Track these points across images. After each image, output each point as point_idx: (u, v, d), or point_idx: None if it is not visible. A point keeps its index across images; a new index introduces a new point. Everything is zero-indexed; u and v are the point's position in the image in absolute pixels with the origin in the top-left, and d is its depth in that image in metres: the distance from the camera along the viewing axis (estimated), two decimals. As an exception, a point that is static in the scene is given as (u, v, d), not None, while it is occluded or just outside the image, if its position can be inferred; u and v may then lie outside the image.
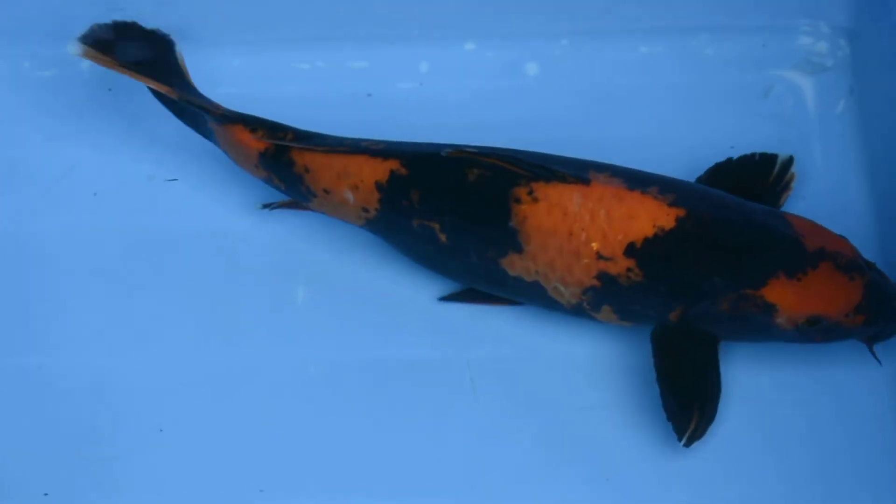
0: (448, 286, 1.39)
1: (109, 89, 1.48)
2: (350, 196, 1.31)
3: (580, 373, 1.35)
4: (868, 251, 1.33)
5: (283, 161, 1.33)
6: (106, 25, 1.39)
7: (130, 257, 1.42)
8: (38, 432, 1.35)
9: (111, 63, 1.37)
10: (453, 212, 1.27)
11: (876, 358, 1.27)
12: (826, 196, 1.39)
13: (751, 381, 1.32)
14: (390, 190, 1.29)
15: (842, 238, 1.24)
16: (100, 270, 1.42)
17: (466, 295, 1.37)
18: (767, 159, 1.37)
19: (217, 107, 1.36)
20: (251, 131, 1.34)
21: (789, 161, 1.37)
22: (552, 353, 1.36)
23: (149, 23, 1.42)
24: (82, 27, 1.40)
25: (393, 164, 1.28)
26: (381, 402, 1.35)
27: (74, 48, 1.37)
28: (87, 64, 1.48)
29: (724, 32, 1.49)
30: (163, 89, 1.36)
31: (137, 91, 1.42)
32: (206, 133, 1.40)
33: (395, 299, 1.39)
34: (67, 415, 1.36)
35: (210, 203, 1.45)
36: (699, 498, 1.30)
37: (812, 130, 1.45)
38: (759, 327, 1.23)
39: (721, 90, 1.47)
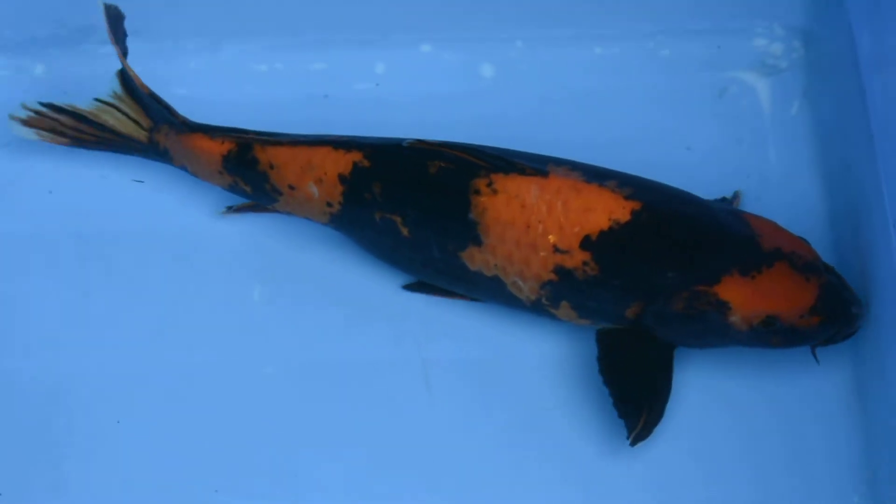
0: (407, 290, 1.39)
1: (64, 92, 1.47)
2: (315, 190, 1.31)
3: (537, 373, 1.35)
4: (821, 251, 1.32)
5: (246, 160, 1.33)
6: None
7: (85, 257, 1.42)
8: (-4, 439, 1.35)
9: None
10: (414, 204, 1.27)
11: (815, 357, 1.27)
12: (779, 196, 1.40)
13: (709, 380, 1.33)
14: (353, 182, 1.29)
15: (801, 240, 1.25)
16: (54, 271, 1.41)
17: (426, 287, 1.37)
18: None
19: (178, 115, 1.37)
20: (211, 137, 1.34)
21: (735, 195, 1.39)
22: (509, 353, 1.36)
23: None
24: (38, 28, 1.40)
25: (356, 156, 1.29)
26: (336, 402, 1.35)
27: None
28: (41, 67, 1.49)
29: (679, 34, 1.49)
30: (137, 80, 1.37)
31: (91, 93, 1.42)
32: (161, 155, 1.40)
33: (351, 299, 1.39)
34: (21, 415, 1.35)
35: (166, 203, 1.44)
36: (659, 497, 1.30)
37: (766, 131, 1.45)
38: (715, 327, 1.22)
39: (676, 91, 1.47)
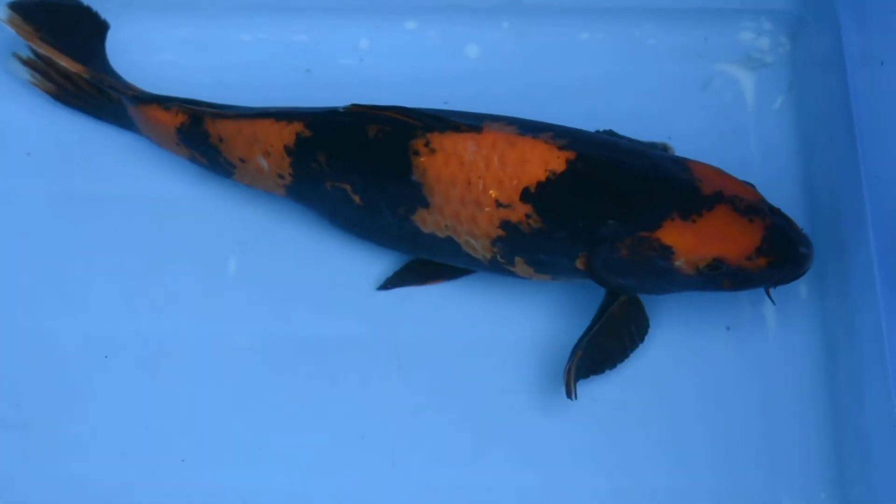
0: (381, 265, 1.39)
1: (41, 56, 1.47)
2: (264, 163, 1.31)
3: (507, 355, 1.36)
4: None
5: (198, 133, 1.33)
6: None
7: (60, 219, 1.41)
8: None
9: (31, 35, 1.38)
10: (360, 171, 1.27)
11: (771, 299, 1.28)
12: (760, 189, 1.38)
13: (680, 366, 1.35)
14: (299, 153, 1.29)
15: (746, 184, 1.25)
16: (28, 232, 1.41)
17: (401, 279, 1.37)
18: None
19: (131, 87, 1.37)
20: (165, 109, 1.34)
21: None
22: (480, 336, 1.36)
23: None
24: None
25: (297, 127, 1.29)
26: (306, 378, 1.35)
27: (2, 13, 1.38)
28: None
29: (666, 24, 1.49)
30: (76, 68, 1.37)
31: None
32: (126, 124, 1.41)
33: (326, 275, 1.39)
34: (-9, 377, 1.35)
35: (145, 167, 1.43)
36: (622, 482, 1.31)
37: (749, 124, 1.45)
38: (663, 272, 1.22)
39: (661, 81, 1.47)
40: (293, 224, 1.40)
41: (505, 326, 1.36)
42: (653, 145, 1.36)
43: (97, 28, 1.43)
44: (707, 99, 1.46)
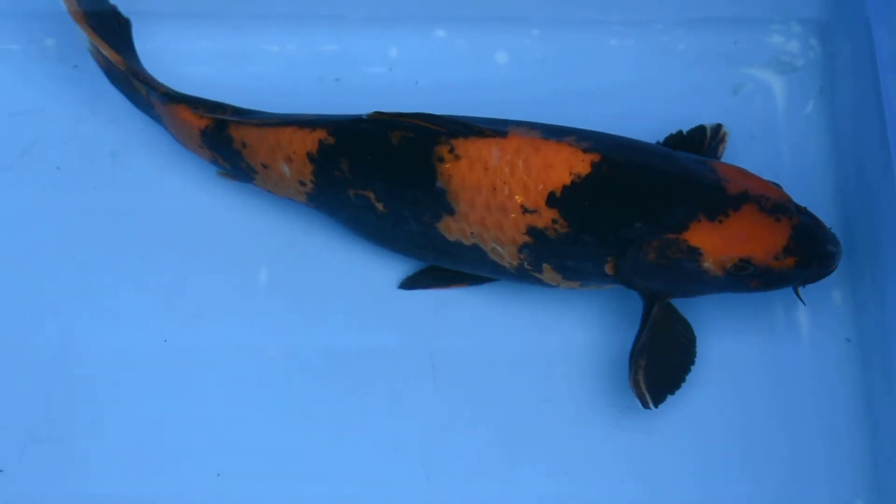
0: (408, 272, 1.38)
1: (75, 66, 1.46)
2: (286, 169, 1.31)
3: (541, 366, 1.35)
4: None
5: (222, 138, 1.33)
6: None
7: (90, 232, 1.41)
8: (-5, 408, 1.34)
9: (80, 17, 1.37)
10: (383, 178, 1.27)
11: (800, 298, 1.27)
12: (793, 194, 1.38)
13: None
14: (321, 160, 1.29)
15: (772, 184, 1.24)
16: (58, 245, 1.41)
17: (423, 279, 1.37)
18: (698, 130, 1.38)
19: (161, 86, 1.36)
20: (192, 109, 1.34)
21: (717, 127, 1.38)
22: (514, 346, 1.36)
23: None
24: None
25: (321, 134, 1.28)
26: (340, 389, 1.34)
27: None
28: (52, 40, 1.47)
29: (695, 28, 1.48)
30: (115, 58, 1.36)
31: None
32: (153, 115, 1.40)
33: (359, 284, 1.38)
34: (23, 391, 1.35)
35: (174, 180, 1.43)
36: (657, 491, 1.31)
37: (781, 129, 1.45)
38: (691, 274, 1.22)
39: (691, 86, 1.47)
40: (324, 234, 1.40)
41: (539, 336, 1.36)
42: (701, 129, 1.37)
43: (124, 25, 1.41)
44: (737, 104, 1.46)
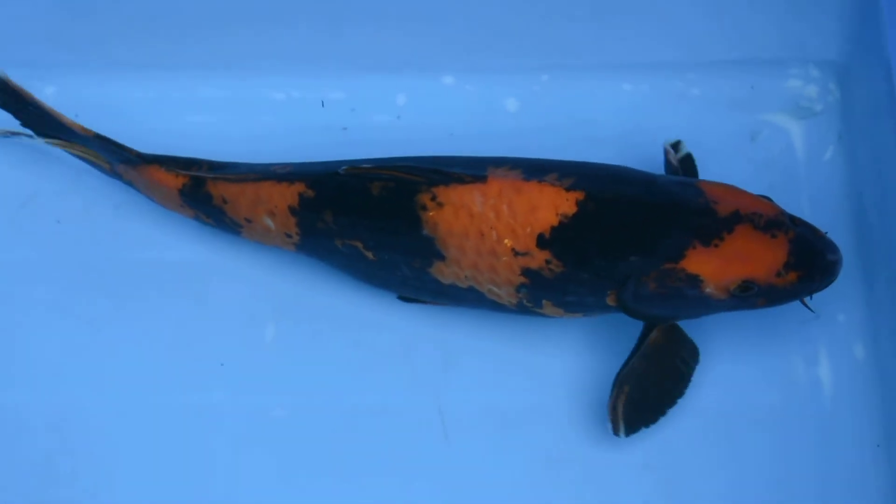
0: (425, 330, 1.36)
1: (76, 115, 1.43)
2: (270, 223, 1.29)
3: (555, 420, 1.32)
4: (855, 296, 1.33)
5: (201, 196, 1.31)
6: None
7: (93, 289, 1.39)
8: (-7, 471, 1.32)
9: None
10: (369, 228, 1.25)
11: (808, 307, 1.26)
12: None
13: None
14: (303, 213, 1.27)
15: (761, 198, 1.22)
16: (61, 302, 1.38)
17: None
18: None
19: (127, 149, 1.34)
20: (167, 170, 1.32)
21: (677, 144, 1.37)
22: (527, 400, 1.33)
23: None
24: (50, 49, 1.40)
25: (299, 187, 1.27)
26: (349, 448, 1.32)
27: None
28: (52, 88, 1.45)
29: (710, 72, 1.46)
30: (76, 127, 1.34)
31: (105, 118, 1.40)
32: (128, 185, 1.38)
33: (366, 341, 1.36)
34: (23, 453, 1.33)
35: (177, 234, 1.41)
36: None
37: (800, 176, 1.42)
38: (695, 300, 1.20)
39: (707, 132, 1.43)
40: (331, 289, 1.37)
41: (551, 389, 1.33)
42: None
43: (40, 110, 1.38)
44: (756, 151, 1.43)
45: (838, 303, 1.35)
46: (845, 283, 1.33)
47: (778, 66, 1.46)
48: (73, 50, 1.45)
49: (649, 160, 1.40)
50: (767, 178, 1.41)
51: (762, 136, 1.44)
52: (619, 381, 1.26)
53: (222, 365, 1.34)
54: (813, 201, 1.40)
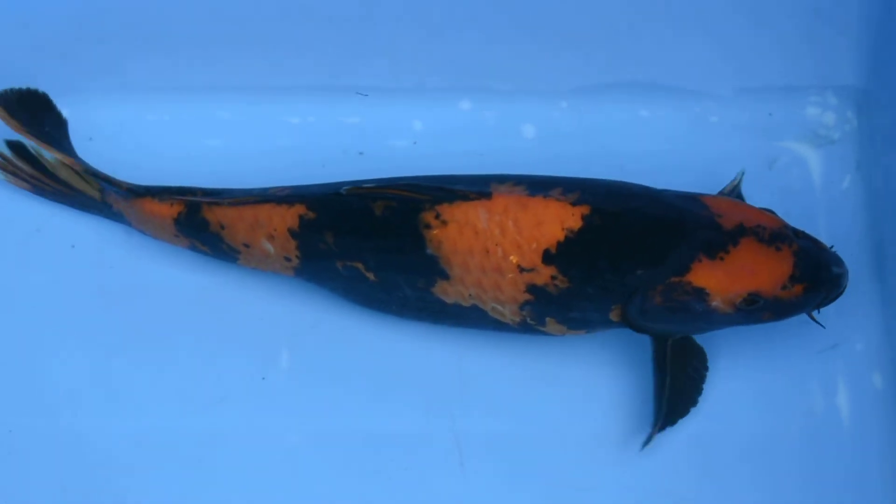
0: (439, 353, 1.35)
1: (90, 139, 1.43)
2: (269, 247, 1.29)
3: (572, 447, 1.32)
4: (873, 326, 1.33)
5: (197, 222, 1.31)
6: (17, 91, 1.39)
7: (108, 313, 1.38)
8: (9, 498, 1.31)
9: (18, 128, 1.37)
10: (371, 249, 1.25)
11: (815, 321, 1.25)
12: (830, 273, 1.36)
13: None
14: (304, 235, 1.27)
15: (765, 211, 1.23)
16: (72, 325, 1.38)
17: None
18: None
19: (120, 182, 1.34)
20: (159, 201, 1.31)
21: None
22: (544, 426, 1.33)
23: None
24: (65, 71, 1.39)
25: (300, 209, 1.26)
26: (364, 475, 1.31)
27: None
28: (66, 111, 1.43)
29: (728, 100, 1.46)
30: (67, 161, 1.35)
31: (118, 140, 1.41)
32: (117, 217, 1.38)
33: (381, 366, 1.35)
34: (39, 480, 1.32)
35: (192, 259, 1.39)
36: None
37: (818, 205, 1.42)
38: (701, 315, 1.20)
39: (725, 159, 1.43)
40: (345, 314, 1.37)
41: (570, 413, 1.33)
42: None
43: (60, 122, 1.41)
44: (773, 178, 1.43)
45: (856, 332, 1.34)
46: (863, 311, 1.33)
47: (796, 94, 1.46)
48: (88, 73, 1.45)
49: (665, 186, 1.39)
50: (784, 206, 1.39)
51: (780, 164, 1.44)
52: (662, 404, 1.26)
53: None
54: (830, 229, 1.40)
